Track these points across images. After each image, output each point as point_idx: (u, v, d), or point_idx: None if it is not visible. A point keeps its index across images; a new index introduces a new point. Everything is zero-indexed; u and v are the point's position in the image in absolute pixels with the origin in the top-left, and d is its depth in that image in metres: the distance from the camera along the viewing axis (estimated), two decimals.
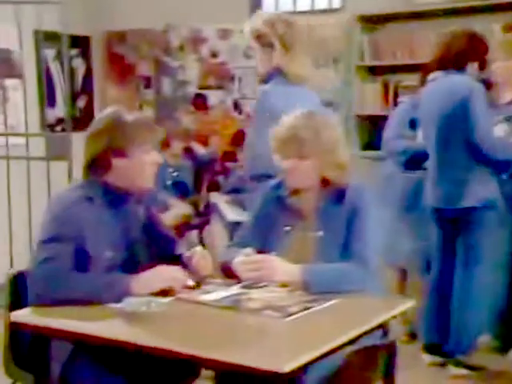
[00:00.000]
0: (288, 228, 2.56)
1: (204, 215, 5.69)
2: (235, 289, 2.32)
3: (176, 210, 5.16)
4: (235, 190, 5.45)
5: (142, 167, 2.39)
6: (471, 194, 3.61)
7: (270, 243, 2.57)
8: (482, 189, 3.62)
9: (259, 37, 3.14)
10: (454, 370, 3.81)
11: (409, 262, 4.31)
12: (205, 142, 5.97)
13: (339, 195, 2.51)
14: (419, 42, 4.90)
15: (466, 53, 3.64)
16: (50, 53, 5.90)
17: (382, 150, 4.33)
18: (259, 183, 2.92)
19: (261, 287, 2.34)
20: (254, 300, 2.15)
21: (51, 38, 5.54)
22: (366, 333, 2.00)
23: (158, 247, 2.58)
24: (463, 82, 3.63)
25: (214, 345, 1.85)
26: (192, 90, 6.04)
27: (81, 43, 6.26)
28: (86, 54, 6.37)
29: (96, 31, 6.34)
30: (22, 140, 4.94)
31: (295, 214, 2.57)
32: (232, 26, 5.75)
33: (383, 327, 2.08)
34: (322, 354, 1.79)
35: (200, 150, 5.77)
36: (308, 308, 2.12)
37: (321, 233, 2.49)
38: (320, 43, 5.38)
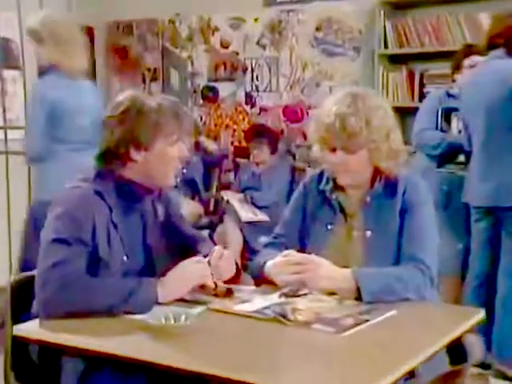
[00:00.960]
0: (330, 226, 2.23)
1: (214, 214, 5.38)
2: (275, 297, 1.99)
3: (185, 209, 4.82)
4: (248, 188, 5.17)
5: (164, 162, 2.06)
6: None
7: (309, 243, 2.25)
8: None
9: (33, 33, 3.43)
10: (494, 382, 3.49)
11: (443, 267, 3.96)
12: (215, 137, 5.67)
13: (389, 188, 2.19)
14: (447, 28, 4.55)
15: None
16: None
17: (413, 142, 4.00)
18: None
19: (303, 295, 2.01)
20: (300, 311, 1.82)
21: None
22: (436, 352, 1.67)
23: (181, 250, 2.24)
24: None
25: (259, 366, 1.53)
26: (201, 82, 5.74)
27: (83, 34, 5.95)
28: (88, 46, 6.05)
29: (99, 21, 6.05)
30: (21, 134, 4.64)
31: (339, 210, 2.24)
32: (244, 14, 5.47)
33: (457, 344, 1.75)
34: (397, 378, 1.46)
35: (210, 145, 5.46)
36: (365, 321, 1.80)
37: (369, 232, 2.17)
38: (339, 30, 5.08)
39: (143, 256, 2.11)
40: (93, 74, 6.10)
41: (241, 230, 4.96)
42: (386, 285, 1.98)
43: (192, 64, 5.76)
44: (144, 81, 5.95)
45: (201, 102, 5.73)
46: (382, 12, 4.75)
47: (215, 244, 4.40)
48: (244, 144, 5.53)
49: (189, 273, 1.98)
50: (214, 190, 5.54)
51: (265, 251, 2.29)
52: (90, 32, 6.02)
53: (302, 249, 2.24)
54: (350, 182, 2.20)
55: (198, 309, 1.89)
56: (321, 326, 1.75)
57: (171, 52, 5.83)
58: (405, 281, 2.01)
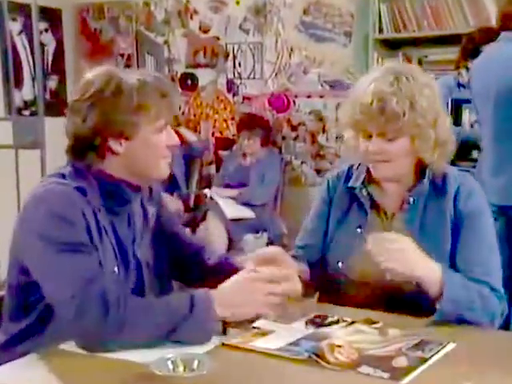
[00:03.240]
0: (361, 229, 1.88)
1: (194, 211, 5.02)
2: (301, 327, 1.64)
3: None
4: (233, 183, 4.81)
5: (151, 152, 1.68)
6: None
7: (334, 251, 1.91)
8: None
9: None
10: None
11: None
12: (195, 128, 5.30)
13: (437, 186, 1.85)
14: (447, 10, 4.24)
15: None
16: (14, 26, 5.17)
17: None
18: None
19: (334, 323, 1.67)
20: (340, 348, 1.46)
21: (16, 9, 4.89)
22: None
23: (178, 258, 1.90)
24: None
25: None
26: (179, 69, 5.36)
27: (50, 16, 5.54)
28: (56, 29, 5.63)
29: (67, 3, 5.63)
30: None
31: (372, 211, 1.89)
32: None
33: None
34: None
35: (190, 136, 5.09)
36: (422, 360, 1.45)
37: (410, 238, 1.82)
38: (329, 14, 4.73)
39: (134, 268, 1.74)
40: (61, 61, 5.70)
41: (225, 228, 4.62)
42: (470, 298, 1.67)
43: (169, 49, 5.38)
44: (117, 67, 5.54)
45: (179, 90, 5.34)
46: None
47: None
48: (226, 135, 5.18)
49: (251, 293, 1.59)
50: (195, 184, 5.18)
51: None
52: (57, 15, 5.62)
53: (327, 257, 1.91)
54: (389, 175, 1.85)
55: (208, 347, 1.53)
56: (370, 368, 1.40)
57: (146, 36, 5.44)
58: (485, 301, 1.69)
